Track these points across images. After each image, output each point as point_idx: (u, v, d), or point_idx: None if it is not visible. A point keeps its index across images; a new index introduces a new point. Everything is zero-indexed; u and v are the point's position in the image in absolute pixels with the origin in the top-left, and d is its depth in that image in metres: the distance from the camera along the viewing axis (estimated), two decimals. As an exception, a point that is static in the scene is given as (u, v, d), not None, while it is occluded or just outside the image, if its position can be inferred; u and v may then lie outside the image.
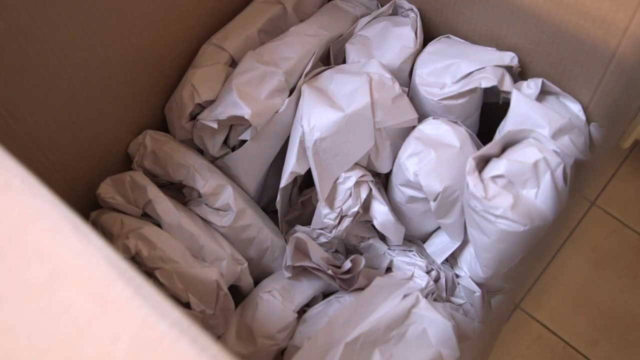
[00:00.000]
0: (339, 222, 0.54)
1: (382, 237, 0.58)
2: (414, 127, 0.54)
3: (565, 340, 0.96)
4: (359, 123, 0.51)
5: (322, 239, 0.55)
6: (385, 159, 0.54)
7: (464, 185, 0.48)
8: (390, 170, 0.55)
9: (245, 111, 0.51)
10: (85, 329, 0.22)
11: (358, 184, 0.53)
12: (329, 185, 0.53)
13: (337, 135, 0.51)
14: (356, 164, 0.52)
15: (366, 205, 0.54)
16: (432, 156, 0.50)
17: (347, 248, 0.60)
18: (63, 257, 0.24)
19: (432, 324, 0.49)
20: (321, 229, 0.55)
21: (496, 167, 0.47)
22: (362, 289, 0.54)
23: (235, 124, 0.54)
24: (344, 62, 0.59)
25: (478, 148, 0.52)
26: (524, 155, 0.47)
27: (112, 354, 0.22)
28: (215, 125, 0.53)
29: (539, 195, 0.46)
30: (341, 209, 0.53)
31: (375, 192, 0.53)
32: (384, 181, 0.57)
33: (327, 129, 0.51)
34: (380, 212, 0.53)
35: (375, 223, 0.54)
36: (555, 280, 1.02)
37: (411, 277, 0.53)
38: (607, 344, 0.96)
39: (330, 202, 0.53)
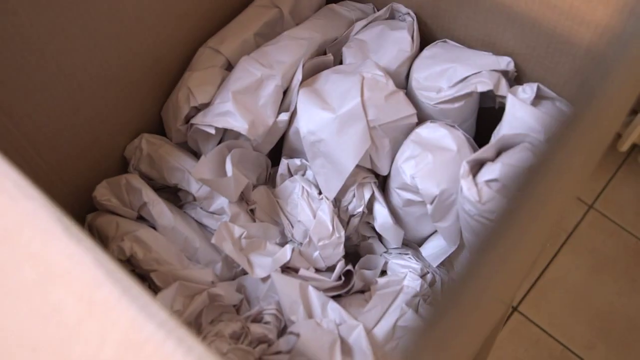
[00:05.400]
0: (348, 222, 0.55)
1: (381, 239, 0.58)
2: (413, 126, 0.54)
3: (563, 343, 0.96)
4: (352, 123, 0.51)
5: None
6: (387, 158, 0.54)
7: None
8: (388, 174, 0.55)
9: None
10: (74, 330, 0.23)
11: (361, 185, 0.53)
12: (336, 189, 0.53)
13: (331, 136, 0.51)
14: (358, 165, 0.53)
15: (369, 206, 0.55)
16: (429, 159, 0.50)
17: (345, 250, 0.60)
18: (54, 259, 0.24)
19: None
20: None
21: (490, 171, 0.47)
22: (359, 291, 0.54)
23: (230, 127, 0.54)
24: (340, 65, 0.59)
25: (475, 152, 0.53)
26: (518, 159, 0.47)
27: (99, 355, 0.22)
28: (212, 131, 0.53)
29: (533, 199, 0.46)
30: (347, 208, 0.54)
31: (377, 193, 0.54)
32: (381, 184, 0.57)
33: (321, 131, 0.51)
34: (380, 214, 0.54)
35: (375, 224, 0.54)
36: (553, 283, 1.02)
37: (403, 279, 0.53)
38: (605, 347, 0.96)
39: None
